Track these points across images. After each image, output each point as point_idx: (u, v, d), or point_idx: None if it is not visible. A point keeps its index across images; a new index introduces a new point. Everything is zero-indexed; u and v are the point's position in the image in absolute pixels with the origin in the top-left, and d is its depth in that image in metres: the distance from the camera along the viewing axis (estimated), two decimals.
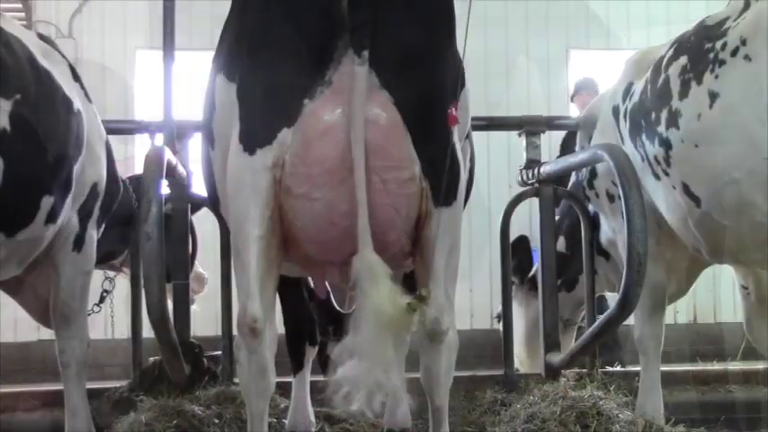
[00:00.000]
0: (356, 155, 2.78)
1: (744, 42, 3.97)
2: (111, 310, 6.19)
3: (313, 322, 4.70)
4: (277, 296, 3.18)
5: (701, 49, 4.20)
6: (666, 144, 4.31)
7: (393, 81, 2.87)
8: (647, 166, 4.52)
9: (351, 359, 2.68)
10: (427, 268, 3.05)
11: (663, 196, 4.51)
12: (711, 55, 4.11)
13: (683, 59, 4.30)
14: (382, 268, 2.74)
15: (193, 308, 5.79)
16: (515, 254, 6.27)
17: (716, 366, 7.43)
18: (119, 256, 5.80)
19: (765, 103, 3.80)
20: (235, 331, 3.15)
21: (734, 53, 4.00)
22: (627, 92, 4.87)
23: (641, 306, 4.71)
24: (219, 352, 5.73)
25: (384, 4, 2.89)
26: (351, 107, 2.80)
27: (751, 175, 3.85)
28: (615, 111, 4.95)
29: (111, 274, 6.06)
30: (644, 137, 4.54)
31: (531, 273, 6.70)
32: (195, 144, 5.82)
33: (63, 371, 4.60)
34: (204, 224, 6.31)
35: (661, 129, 4.35)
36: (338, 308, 4.53)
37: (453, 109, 2.95)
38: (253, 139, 2.92)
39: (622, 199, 4.12)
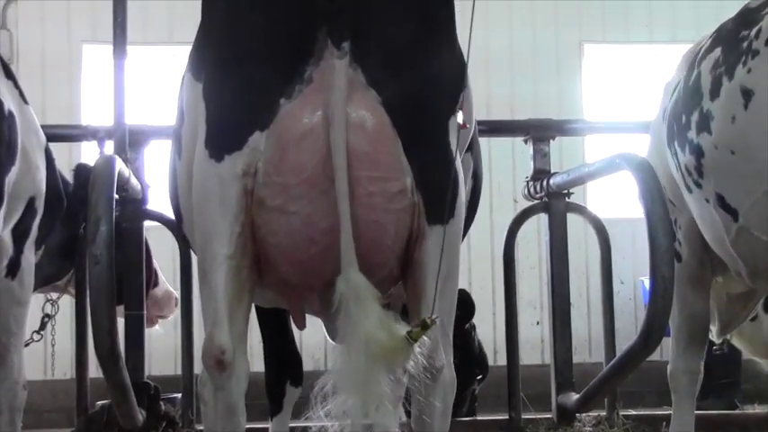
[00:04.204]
0: (337, 161, 2.78)
1: None
2: (53, 346, 6.16)
3: (298, 358, 4.67)
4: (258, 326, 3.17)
5: (735, 39, 4.09)
6: (698, 151, 4.27)
7: (381, 78, 2.87)
8: (681, 177, 4.52)
9: (338, 395, 2.69)
10: (419, 295, 3.04)
11: (697, 211, 4.49)
12: (745, 44, 3.99)
13: (717, 51, 4.22)
14: (370, 291, 2.74)
15: (149, 341, 5.78)
16: None
17: (757, 410, 7.47)
18: (63, 275, 5.77)
19: None
20: (197, 369, 3.15)
21: None
22: (672, 92, 4.78)
23: (677, 337, 4.72)
24: (179, 394, 5.72)
25: None
26: (330, 107, 2.81)
27: None
28: (663, 113, 4.87)
29: (54, 295, 6.02)
30: (676, 143, 4.51)
31: None
32: (151, 153, 5.85)
33: None
34: (162, 245, 6.32)
35: (692, 134, 4.31)
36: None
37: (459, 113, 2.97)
38: (220, 144, 2.92)
39: (645, 215, 4.09)
